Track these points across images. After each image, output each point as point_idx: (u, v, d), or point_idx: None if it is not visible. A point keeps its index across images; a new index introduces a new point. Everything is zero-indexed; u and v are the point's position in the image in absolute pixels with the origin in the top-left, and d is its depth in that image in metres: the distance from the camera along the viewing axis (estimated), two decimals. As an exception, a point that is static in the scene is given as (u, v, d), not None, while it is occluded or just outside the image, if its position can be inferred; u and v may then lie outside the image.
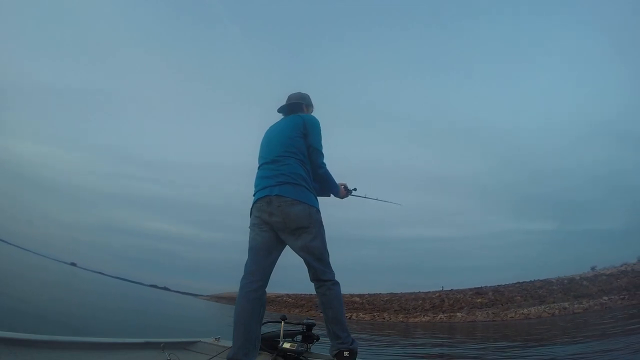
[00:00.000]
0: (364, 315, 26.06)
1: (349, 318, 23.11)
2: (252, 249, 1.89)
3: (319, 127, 2.12)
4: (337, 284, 1.92)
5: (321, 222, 1.96)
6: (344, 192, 2.36)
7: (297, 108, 2.26)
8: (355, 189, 2.44)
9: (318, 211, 1.97)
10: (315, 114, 2.34)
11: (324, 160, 2.10)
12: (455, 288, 26.50)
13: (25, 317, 6.28)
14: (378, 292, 29.76)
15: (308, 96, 2.37)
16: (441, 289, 27.70)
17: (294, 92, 2.37)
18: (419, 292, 27.96)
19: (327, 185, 2.20)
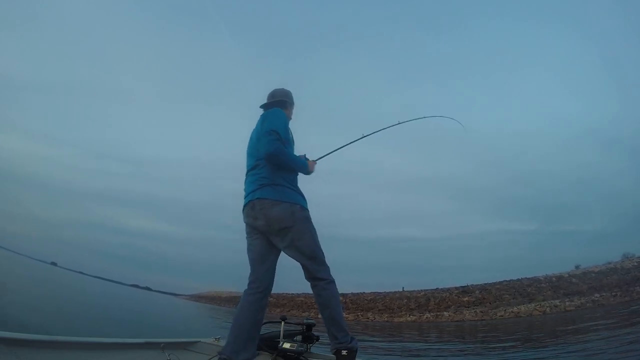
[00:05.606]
0: (347, 315, 25.09)
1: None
2: (249, 260, 1.91)
3: (277, 115, 2.00)
4: (332, 282, 1.86)
5: (308, 218, 1.91)
6: (312, 165, 2.17)
7: (281, 105, 2.18)
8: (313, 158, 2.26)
9: (303, 208, 1.91)
10: (298, 113, 2.30)
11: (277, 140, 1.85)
12: (439, 287, 25.70)
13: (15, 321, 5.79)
14: (361, 292, 28.82)
15: (291, 93, 2.29)
16: (401, 289, 27.14)
17: (277, 88, 2.27)
18: (403, 290, 27.25)
19: (290, 167, 1.98)
